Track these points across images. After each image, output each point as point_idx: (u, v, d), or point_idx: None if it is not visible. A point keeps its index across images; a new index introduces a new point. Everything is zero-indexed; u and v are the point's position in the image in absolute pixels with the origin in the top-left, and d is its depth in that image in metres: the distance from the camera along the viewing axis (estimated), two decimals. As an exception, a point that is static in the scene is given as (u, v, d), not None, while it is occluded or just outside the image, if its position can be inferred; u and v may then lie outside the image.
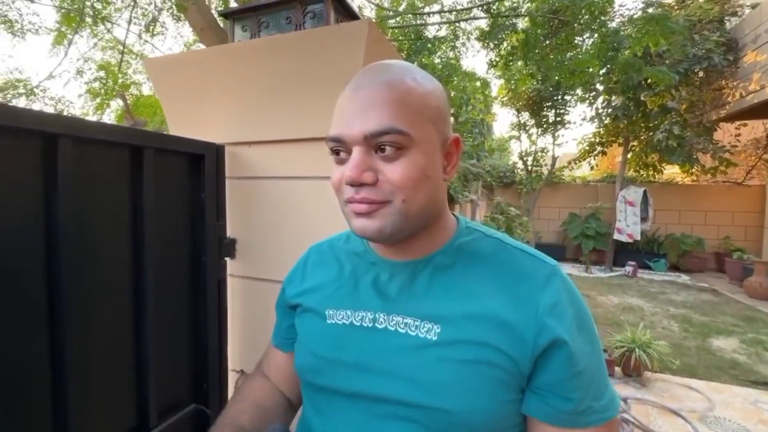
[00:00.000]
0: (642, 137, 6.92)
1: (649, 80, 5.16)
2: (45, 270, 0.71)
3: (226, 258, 1.13)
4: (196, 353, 1.06)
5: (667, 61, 5.68)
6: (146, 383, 0.91)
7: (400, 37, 4.90)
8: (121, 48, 5.62)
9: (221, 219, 1.10)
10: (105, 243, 0.82)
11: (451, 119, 0.55)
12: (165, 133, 0.99)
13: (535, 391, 0.48)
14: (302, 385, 0.59)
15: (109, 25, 5.45)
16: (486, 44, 4.65)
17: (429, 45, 4.77)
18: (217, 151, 1.08)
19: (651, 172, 7.27)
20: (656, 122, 6.43)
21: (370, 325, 0.52)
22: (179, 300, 1.01)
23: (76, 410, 0.75)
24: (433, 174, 0.49)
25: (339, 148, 0.48)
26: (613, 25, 4.07)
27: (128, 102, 5.74)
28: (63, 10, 4.80)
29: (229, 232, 1.14)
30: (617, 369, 2.90)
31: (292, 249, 1.08)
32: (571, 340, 0.46)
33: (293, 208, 1.10)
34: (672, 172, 7.86)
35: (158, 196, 0.91)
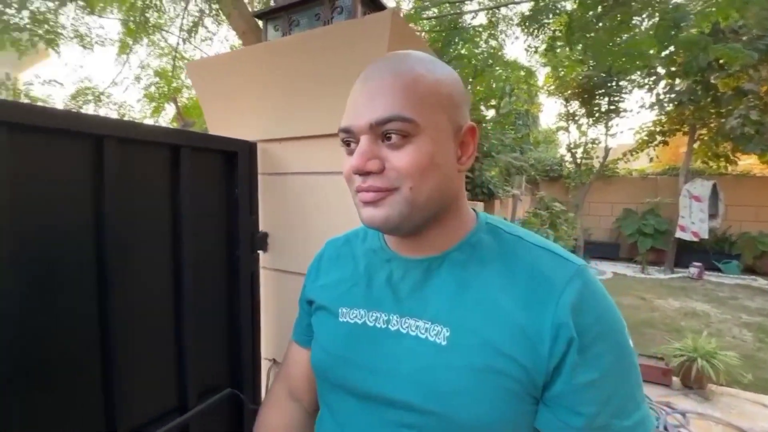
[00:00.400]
0: (711, 124, 6.25)
1: (720, 60, 4.62)
2: (95, 260, 0.77)
3: (258, 251, 1.17)
4: (231, 341, 1.12)
5: (743, 38, 5.05)
6: (185, 368, 0.97)
7: (437, 28, 4.80)
8: (173, 54, 6.05)
9: (254, 214, 1.14)
10: (147, 236, 0.88)
11: (469, 108, 0.52)
12: (202, 132, 1.04)
13: (547, 403, 0.44)
14: (318, 384, 0.59)
15: (163, 34, 5.88)
16: (527, 30, 4.40)
17: (465, 34, 4.61)
18: (250, 148, 1.12)
19: (722, 164, 6.55)
20: (729, 107, 5.76)
21: (384, 326, 0.51)
22: (216, 291, 1.07)
23: (123, 390, 0.82)
24: (444, 162, 0.46)
25: (349, 138, 0.48)
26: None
27: (179, 105, 6.17)
28: (126, 22, 5.25)
29: (261, 227, 1.18)
30: (675, 379, 2.67)
31: (318, 243, 1.09)
32: (585, 345, 0.42)
33: (319, 203, 1.11)
34: (748, 163, 7.01)
35: (195, 192, 0.96)
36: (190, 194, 0.95)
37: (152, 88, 5.68)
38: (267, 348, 1.23)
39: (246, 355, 1.12)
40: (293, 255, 1.18)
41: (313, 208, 1.13)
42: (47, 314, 0.71)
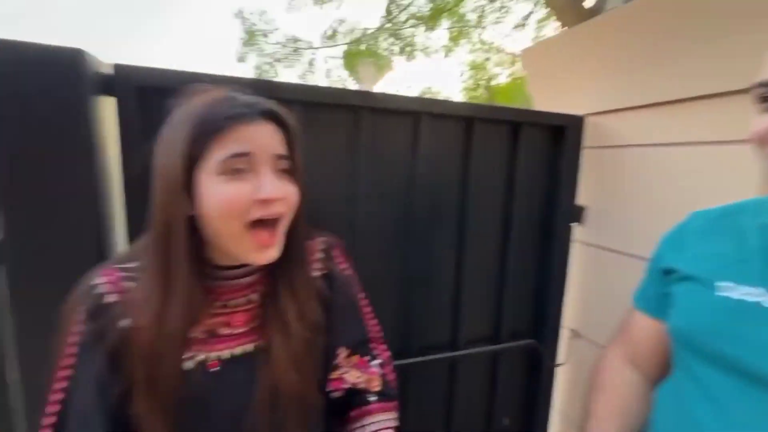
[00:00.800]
0: None
1: None
2: (457, 213, 1.07)
3: (573, 223, 1.21)
4: (538, 301, 1.24)
5: None
6: (501, 309, 1.18)
7: None
8: (486, 47, 6.73)
9: (573, 186, 1.18)
10: (487, 197, 1.12)
11: None
12: (535, 110, 1.17)
13: None
14: (677, 353, 0.57)
15: (478, 31, 6.63)
16: None
17: None
18: (578, 122, 1.15)
19: None
20: None
21: None
22: (531, 253, 1.21)
23: (463, 313, 1.11)
24: None
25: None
26: None
27: (488, 92, 6.86)
28: (451, 29, 6.34)
29: (579, 200, 1.21)
30: None
31: (652, 220, 1.01)
32: None
33: (659, 177, 1.00)
34: None
35: (524, 164, 1.12)
36: (521, 165, 1.11)
37: (470, 81, 6.67)
38: (568, 317, 1.27)
39: (550, 318, 1.22)
40: (612, 231, 1.14)
41: (647, 183, 1.03)
42: (428, 250, 1.06)
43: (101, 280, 0.48)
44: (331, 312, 0.58)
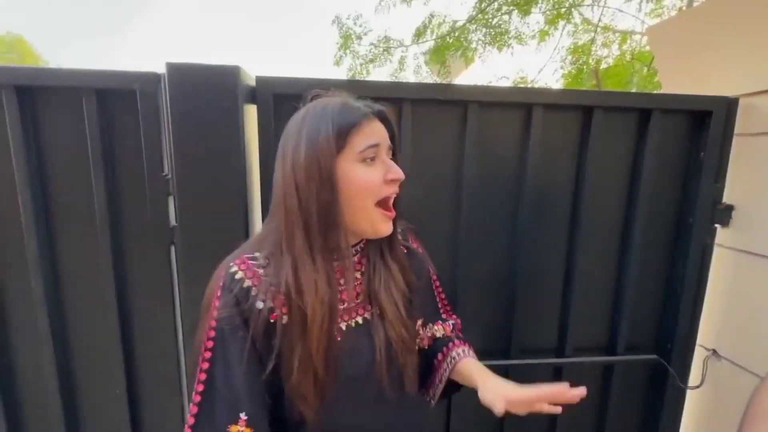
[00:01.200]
0: None
1: None
2: (571, 206, 1.00)
3: (716, 225, 1.03)
4: (665, 311, 1.09)
5: None
6: (619, 316, 1.07)
7: None
8: (591, 27, 6.03)
9: (719, 181, 1.01)
10: (604, 191, 1.01)
11: None
12: (672, 94, 1.02)
13: None
14: None
15: (580, 10, 5.98)
16: None
17: None
18: (729, 105, 0.97)
19: None
20: None
21: None
22: (659, 257, 1.07)
23: (574, 317, 1.04)
24: None
25: None
26: None
27: (596, 77, 6.16)
28: (547, 13, 5.82)
29: (727, 197, 1.02)
30: None
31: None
32: None
33: None
34: None
35: (654, 156, 0.98)
36: (649, 158, 0.98)
37: (571, 66, 6.06)
38: (705, 334, 1.09)
39: (680, 333, 1.06)
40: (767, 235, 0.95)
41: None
42: (536, 248, 1.01)
43: (238, 268, 0.54)
44: (416, 290, 0.65)
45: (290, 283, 0.52)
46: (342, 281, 0.57)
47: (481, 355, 1.03)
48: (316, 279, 0.52)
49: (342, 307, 0.57)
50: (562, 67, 6.25)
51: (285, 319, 0.52)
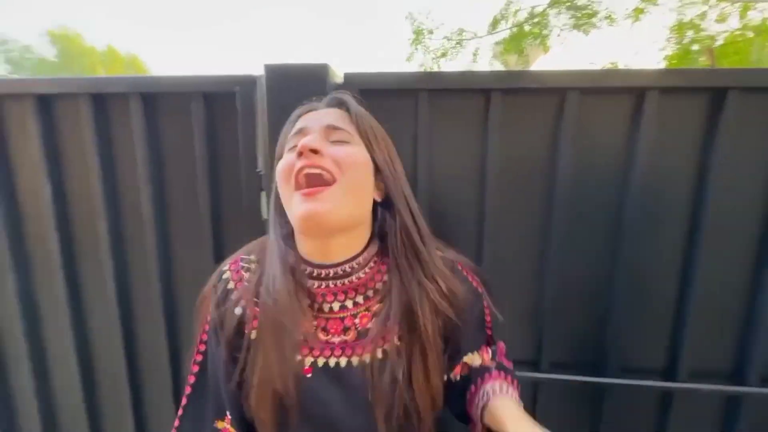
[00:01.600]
0: None
1: None
2: (691, 205, 0.86)
3: None
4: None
5: None
6: (750, 338, 0.89)
7: None
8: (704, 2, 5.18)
9: None
10: (738, 192, 0.85)
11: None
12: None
13: None
14: None
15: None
16: None
17: None
18: None
19: None
20: None
21: None
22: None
23: (691, 336, 0.89)
24: None
25: None
26: None
27: (710, 56, 5.29)
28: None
29: None
30: None
31: None
32: None
33: None
34: None
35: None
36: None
37: (676, 46, 5.28)
38: None
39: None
40: None
41: None
42: (643, 253, 0.88)
43: (229, 268, 0.53)
44: (455, 326, 0.53)
45: (258, 290, 0.49)
46: (318, 306, 0.50)
47: (570, 369, 0.94)
48: (275, 279, 0.48)
49: (325, 338, 0.50)
50: (663, 48, 5.46)
51: (254, 334, 0.48)
